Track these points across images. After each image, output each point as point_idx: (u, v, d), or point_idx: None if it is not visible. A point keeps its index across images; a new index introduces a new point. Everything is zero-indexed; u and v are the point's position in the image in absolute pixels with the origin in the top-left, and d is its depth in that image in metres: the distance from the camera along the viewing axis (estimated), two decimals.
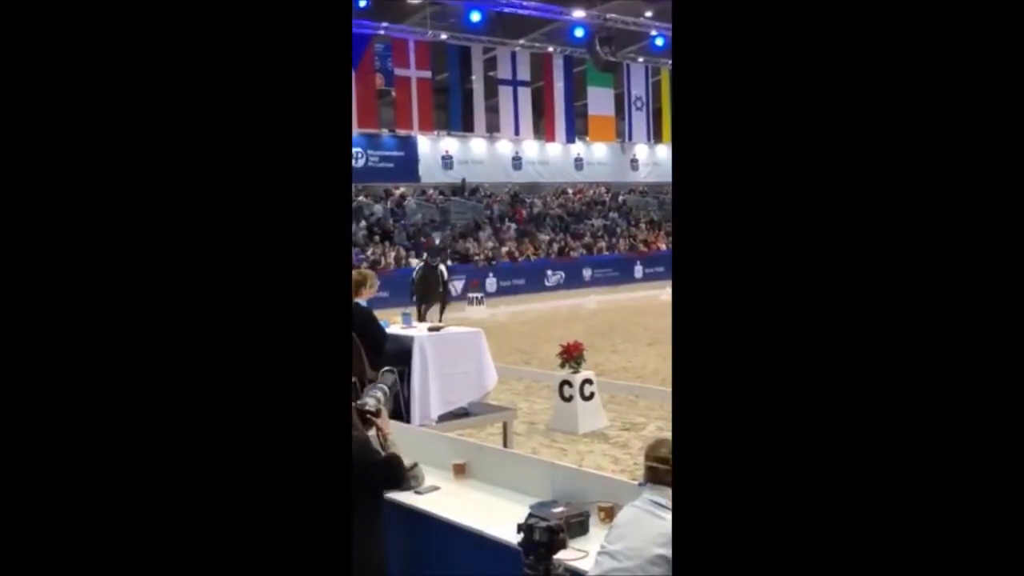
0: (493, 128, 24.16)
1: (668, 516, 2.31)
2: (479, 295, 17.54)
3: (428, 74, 22.05)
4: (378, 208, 22.07)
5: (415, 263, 14.45)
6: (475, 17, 19.85)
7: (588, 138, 26.58)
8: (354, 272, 5.43)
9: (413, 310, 11.71)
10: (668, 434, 4.19)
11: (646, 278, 22.59)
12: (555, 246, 23.19)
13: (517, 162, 25.78)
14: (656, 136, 27.40)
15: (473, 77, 23.21)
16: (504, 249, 21.98)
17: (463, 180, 24.70)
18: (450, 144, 24.44)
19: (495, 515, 3.20)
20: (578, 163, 27.15)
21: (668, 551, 2.25)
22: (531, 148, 25.90)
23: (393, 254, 19.67)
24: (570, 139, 25.66)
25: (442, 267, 14.30)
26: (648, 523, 2.34)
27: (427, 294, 13.56)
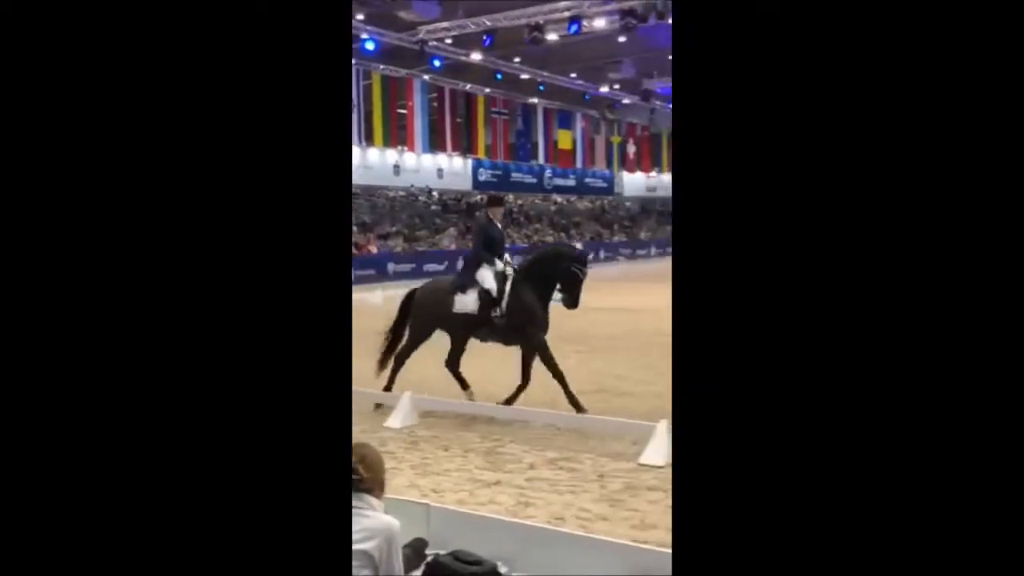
0: None
1: (370, 513, 2.43)
2: None
3: None
4: None
5: (503, 264, 6.83)
6: None
7: None
8: None
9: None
10: (362, 437, 4.27)
11: (357, 281, 22.64)
12: None
13: None
14: (368, 139, 27.59)
15: None
16: None
17: None
18: None
19: None
20: None
21: (368, 546, 2.37)
22: None
23: None
24: None
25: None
26: None
27: (529, 319, 6.62)
